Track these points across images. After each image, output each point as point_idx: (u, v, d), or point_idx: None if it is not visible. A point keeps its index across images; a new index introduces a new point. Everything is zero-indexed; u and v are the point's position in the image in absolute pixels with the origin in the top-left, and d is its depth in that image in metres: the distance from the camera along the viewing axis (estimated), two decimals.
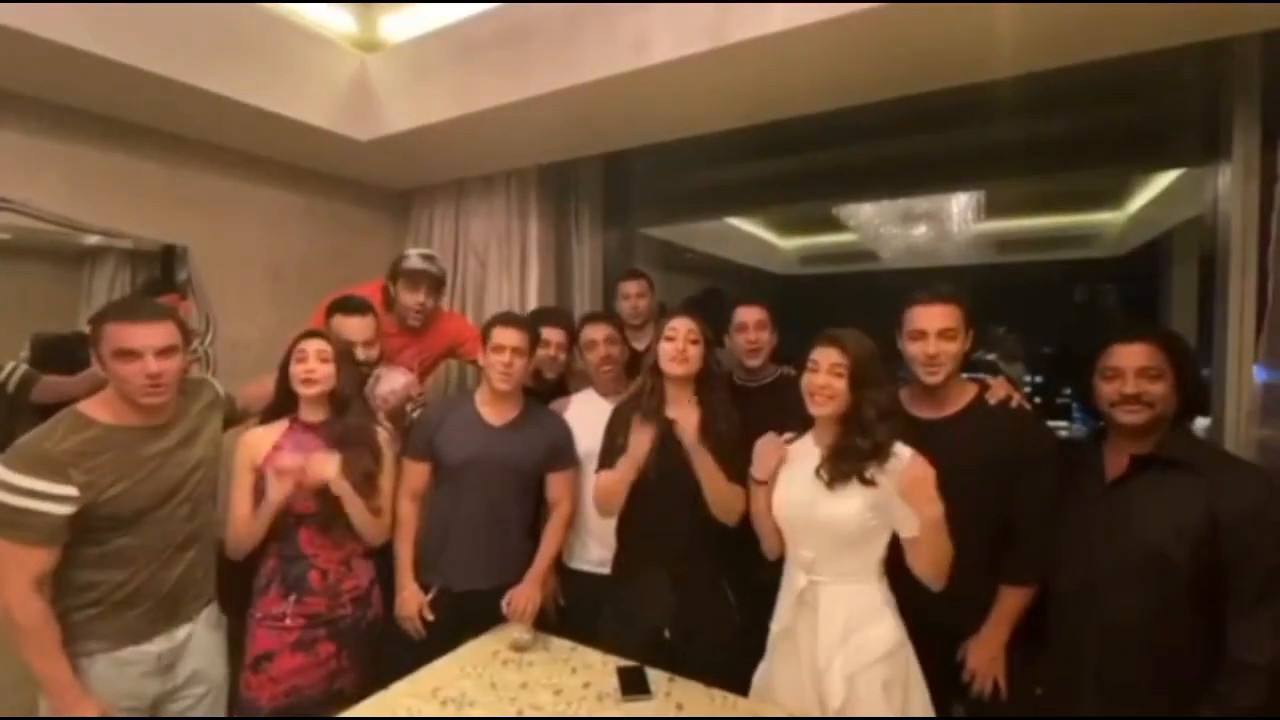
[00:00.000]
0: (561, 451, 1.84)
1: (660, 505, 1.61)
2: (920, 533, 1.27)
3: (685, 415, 1.54)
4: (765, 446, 1.49)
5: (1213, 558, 1.24)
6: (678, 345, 1.59)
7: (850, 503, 1.35)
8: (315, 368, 1.62)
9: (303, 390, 1.63)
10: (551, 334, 2.09)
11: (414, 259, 2.22)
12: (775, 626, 1.46)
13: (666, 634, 1.56)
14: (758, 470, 1.49)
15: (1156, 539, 1.29)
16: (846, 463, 1.36)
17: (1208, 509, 1.25)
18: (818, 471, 1.39)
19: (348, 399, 1.69)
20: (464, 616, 1.71)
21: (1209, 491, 1.26)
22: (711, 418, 1.60)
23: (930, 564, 1.29)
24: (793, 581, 1.42)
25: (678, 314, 1.64)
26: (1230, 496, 1.24)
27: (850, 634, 1.34)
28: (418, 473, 1.80)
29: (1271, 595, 1.21)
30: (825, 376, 1.39)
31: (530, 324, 1.87)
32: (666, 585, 1.58)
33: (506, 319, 1.82)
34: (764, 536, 1.51)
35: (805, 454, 1.46)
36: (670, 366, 1.60)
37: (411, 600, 1.72)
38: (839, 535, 1.37)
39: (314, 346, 1.64)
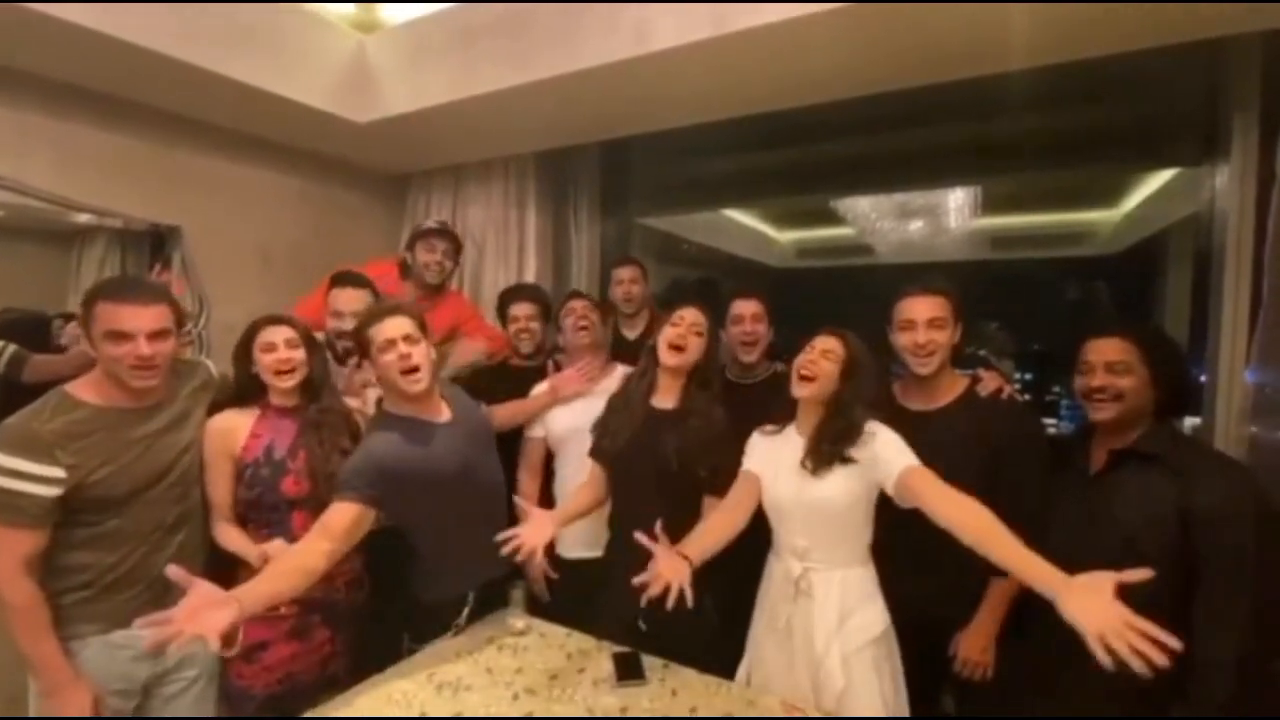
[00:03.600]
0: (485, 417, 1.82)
1: (635, 492, 1.60)
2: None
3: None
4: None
5: (1187, 552, 1.24)
6: (679, 331, 1.58)
7: (835, 483, 1.37)
8: (288, 356, 1.56)
9: (277, 382, 1.56)
10: (520, 309, 2.17)
11: (429, 222, 2.51)
12: (762, 621, 1.47)
13: (642, 625, 1.49)
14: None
15: (1130, 532, 1.30)
16: (825, 445, 1.39)
17: (1180, 503, 1.25)
18: (802, 463, 1.41)
19: (319, 381, 1.65)
20: (484, 607, 1.63)
21: (1182, 486, 1.26)
22: (687, 412, 1.57)
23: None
24: (786, 571, 1.43)
25: (688, 304, 1.63)
26: (1202, 491, 1.24)
27: (845, 618, 1.36)
28: (365, 518, 1.41)
29: (1238, 591, 1.20)
30: (816, 355, 1.42)
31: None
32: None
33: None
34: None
35: (789, 446, 1.47)
36: (665, 355, 1.57)
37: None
38: (829, 518, 1.39)
39: (282, 335, 1.57)
